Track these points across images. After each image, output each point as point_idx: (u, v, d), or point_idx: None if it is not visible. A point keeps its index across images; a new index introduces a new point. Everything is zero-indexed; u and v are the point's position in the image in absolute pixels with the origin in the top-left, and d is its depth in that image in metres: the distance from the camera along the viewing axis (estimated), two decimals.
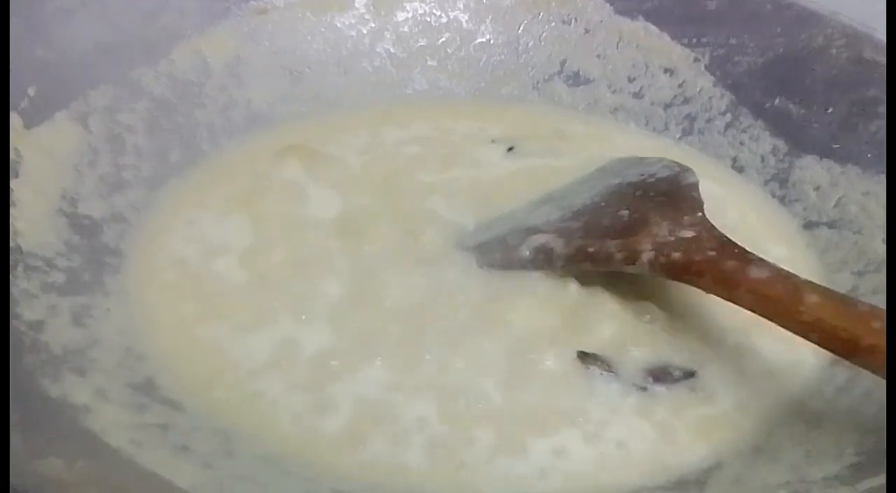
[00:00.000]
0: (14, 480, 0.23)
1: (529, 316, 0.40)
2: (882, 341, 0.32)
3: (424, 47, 0.57)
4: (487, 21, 0.58)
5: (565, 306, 0.40)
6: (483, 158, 0.51)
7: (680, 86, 0.55)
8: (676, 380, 0.38)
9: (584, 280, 0.41)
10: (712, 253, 0.38)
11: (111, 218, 0.42)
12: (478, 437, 0.35)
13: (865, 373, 0.36)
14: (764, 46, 0.53)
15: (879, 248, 0.45)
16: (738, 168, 0.52)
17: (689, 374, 0.39)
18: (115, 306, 0.39)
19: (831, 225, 0.48)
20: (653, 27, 0.56)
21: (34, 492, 0.23)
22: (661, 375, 0.38)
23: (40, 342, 0.34)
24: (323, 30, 0.55)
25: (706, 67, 0.55)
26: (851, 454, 0.34)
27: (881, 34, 0.50)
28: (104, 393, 0.33)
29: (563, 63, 0.57)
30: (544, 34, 0.57)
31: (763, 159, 0.52)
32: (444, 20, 0.58)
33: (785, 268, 0.37)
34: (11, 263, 0.36)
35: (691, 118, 0.55)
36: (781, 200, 0.50)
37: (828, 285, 0.37)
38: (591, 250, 0.41)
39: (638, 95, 0.56)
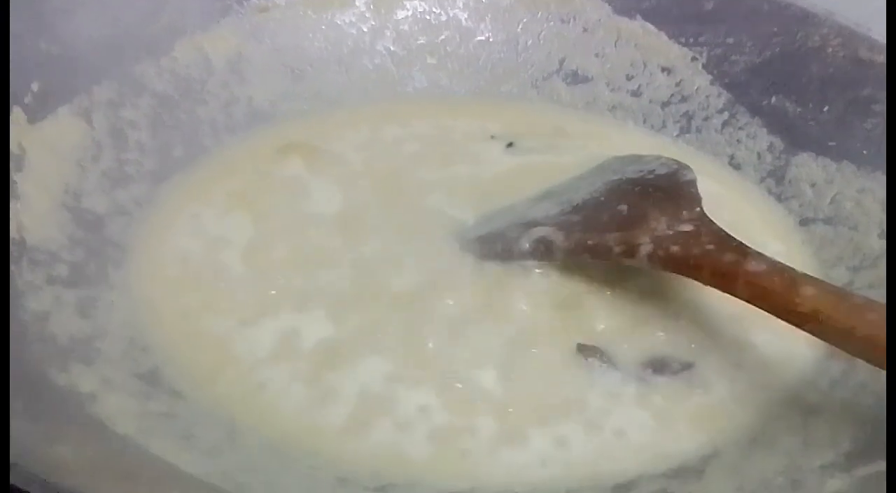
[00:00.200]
0: (26, 465, 0.23)
1: (529, 309, 0.40)
2: (876, 332, 0.32)
3: (424, 45, 0.57)
4: (487, 19, 0.58)
5: (564, 298, 0.41)
6: (483, 154, 0.51)
7: (677, 84, 0.56)
8: (675, 371, 0.39)
9: (584, 273, 0.41)
10: (710, 247, 0.39)
11: (114, 212, 0.43)
12: (479, 427, 0.35)
13: (860, 366, 0.37)
14: (761, 46, 0.54)
15: (875, 243, 0.45)
16: (735, 165, 0.53)
17: (687, 366, 0.39)
18: (118, 298, 0.39)
19: (827, 221, 0.48)
20: (651, 26, 0.56)
21: (45, 477, 0.23)
22: (659, 366, 0.39)
23: (47, 333, 0.34)
24: (324, 28, 0.56)
25: (703, 66, 0.55)
26: (847, 444, 0.34)
27: (876, 34, 0.51)
28: (110, 383, 0.33)
29: (561, 61, 0.57)
30: (543, 33, 0.58)
31: (760, 157, 0.52)
32: (443, 18, 0.58)
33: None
34: (16, 255, 0.37)
35: (689, 116, 0.55)
36: (778, 197, 0.51)
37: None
38: (590, 243, 0.41)
39: (636, 94, 0.56)
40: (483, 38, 0.58)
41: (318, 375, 0.37)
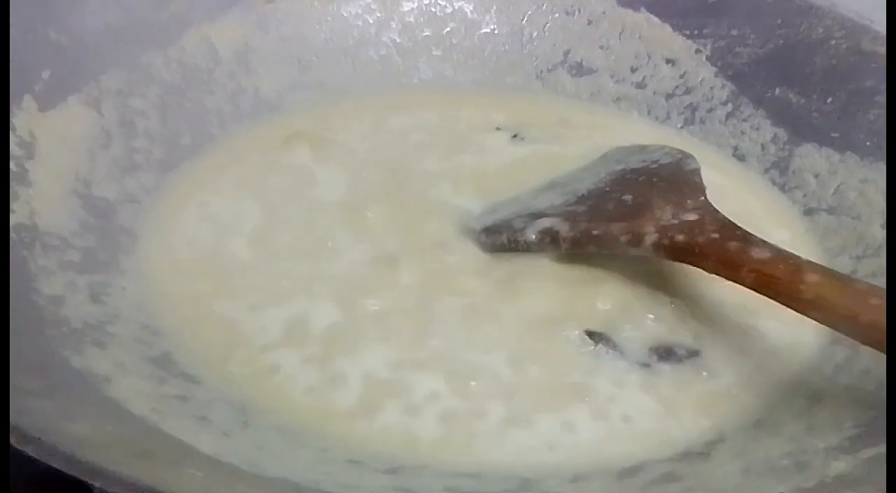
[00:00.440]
0: (48, 440, 0.24)
1: (536, 297, 0.41)
2: (880, 317, 0.33)
3: (430, 37, 0.58)
4: (492, 11, 0.58)
5: (571, 286, 0.41)
6: (488, 144, 0.52)
7: (682, 76, 0.56)
8: (680, 358, 0.39)
9: (590, 261, 0.42)
10: (715, 235, 0.39)
11: (125, 199, 0.43)
12: (488, 411, 0.36)
13: (864, 352, 0.38)
14: (764, 38, 0.54)
15: (877, 233, 0.46)
16: (740, 157, 0.53)
17: (693, 352, 0.40)
18: (130, 284, 0.39)
19: (830, 211, 0.49)
20: (655, 18, 0.56)
21: (66, 450, 0.24)
22: (665, 353, 0.39)
23: (61, 317, 0.35)
24: (330, 19, 0.56)
25: (708, 58, 0.55)
26: (851, 427, 0.35)
27: (879, 26, 0.51)
28: (124, 366, 0.34)
29: (566, 53, 0.58)
30: (548, 25, 0.58)
31: (764, 148, 0.53)
32: (448, 10, 0.58)
33: None
34: (29, 240, 0.37)
35: (693, 108, 0.55)
36: (782, 187, 0.51)
37: None
38: (595, 232, 0.42)
39: (640, 85, 0.57)
40: (488, 30, 0.58)
41: (328, 359, 0.37)
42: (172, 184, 0.46)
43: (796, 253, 0.37)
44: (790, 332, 0.40)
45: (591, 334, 0.39)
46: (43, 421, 0.25)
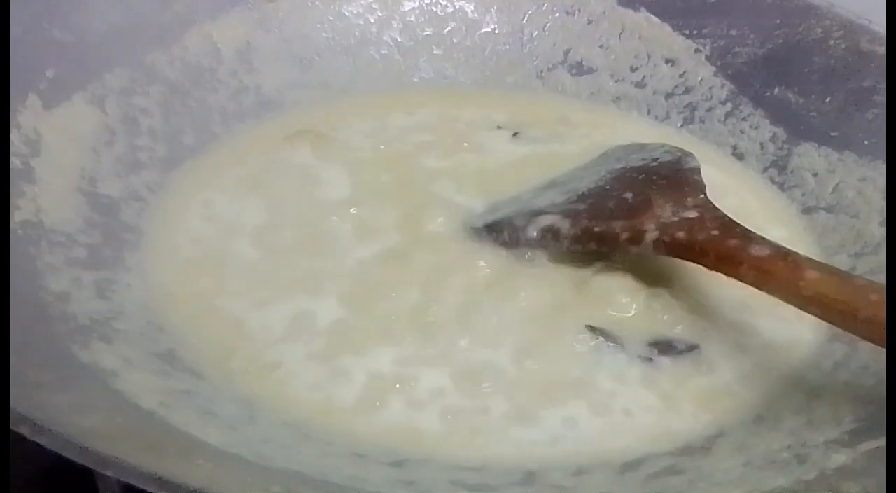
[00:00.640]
0: (60, 431, 0.24)
1: (538, 293, 0.41)
2: (879, 313, 0.33)
3: (430, 36, 0.58)
4: (492, 11, 0.59)
5: (573, 282, 0.41)
6: (489, 143, 0.52)
7: (681, 76, 0.56)
8: (680, 353, 0.40)
9: (591, 258, 0.42)
10: (715, 232, 0.39)
11: (129, 197, 0.43)
12: (491, 406, 0.36)
13: (862, 348, 0.38)
14: (764, 37, 0.55)
15: (876, 231, 0.46)
16: (739, 155, 0.54)
17: (693, 347, 0.40)
18: (135, 281, 0.40)
19: (829, 209, 0.49)
20: (654, 18, 0.57)
21: (78, 441, 0.24)
22: (665, 348, 0.40)
23: (68, 312, 0.35)
24: (331, 18, 0.56)
25: (707, 58, 0.56)
26: (850, 422, 0.35)
27: (877, 26, 0.52)
28: (130, 361, 0.34)
29: (566, 52, 0.58)
30: (548, 24, 0.58)
31: (763, 147, 0.53)
32: (449, 10, 0.59)
33: None
34: (35, 237, 0.37)
35: (692, 107, 0.56)
36: (781, 186, 0.52)
37: None
38: (596, 230, 0.42)
39: (640, 85, 0.57)
40: (489, 29, 0.59)
41: (331, 356, 0.37)
42: (176, 182, 0.46)
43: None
44: (789, 328, 0.41)
45: (592, 329, 0.40)
46: (55, 414, 0.26)
